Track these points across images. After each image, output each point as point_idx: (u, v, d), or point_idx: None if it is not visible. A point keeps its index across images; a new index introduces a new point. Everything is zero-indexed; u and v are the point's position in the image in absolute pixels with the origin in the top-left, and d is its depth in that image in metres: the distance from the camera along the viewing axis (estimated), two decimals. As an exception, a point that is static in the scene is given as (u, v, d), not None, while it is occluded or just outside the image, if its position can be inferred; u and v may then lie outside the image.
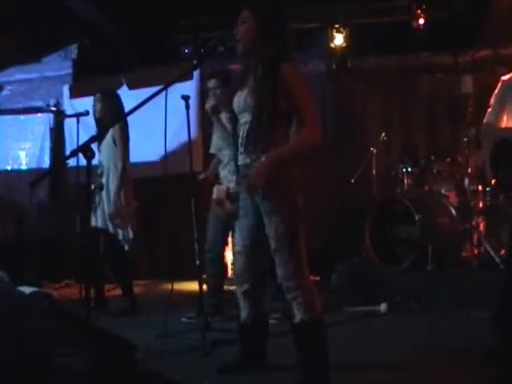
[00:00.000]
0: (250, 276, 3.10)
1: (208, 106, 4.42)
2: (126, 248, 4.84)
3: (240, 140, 3.01)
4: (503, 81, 3.69)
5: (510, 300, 3.42)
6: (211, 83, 4.46)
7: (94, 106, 5.00)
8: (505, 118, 3.60)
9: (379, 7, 6.52)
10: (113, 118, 4.81)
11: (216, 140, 4.56)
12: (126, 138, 4.87)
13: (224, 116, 4.35)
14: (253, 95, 2.92)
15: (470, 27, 6.08)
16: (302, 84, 2.89)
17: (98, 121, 4.99)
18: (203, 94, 7.30)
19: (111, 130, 4.80)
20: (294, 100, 2.86)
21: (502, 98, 3.64)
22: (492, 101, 3.71)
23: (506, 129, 3.61)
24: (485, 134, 3.78)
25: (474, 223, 5.38)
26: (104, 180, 4.84)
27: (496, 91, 3.71)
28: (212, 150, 4.65)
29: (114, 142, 4.81)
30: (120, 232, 4.82)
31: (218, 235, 4.49)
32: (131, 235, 4.85)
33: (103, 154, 4.89)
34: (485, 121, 3.72)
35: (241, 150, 3.00)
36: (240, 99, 3.01)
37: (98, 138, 4.81)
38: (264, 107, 2.87)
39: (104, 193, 4.82)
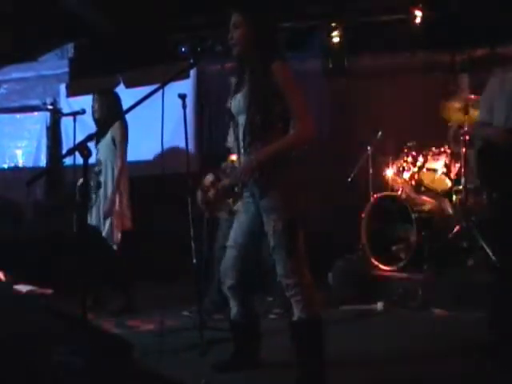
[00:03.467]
0: (237, 272, 3.12)
1: None
2: (115, 248, 4.83)
3: (239, 142, 3.03)
4: (493, 78, 3.70)
5: (504, 298, 3.44)
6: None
7: (93, 105, 4.99)
8: (496, 115, 3.60)
9: (376, 6, 6.51)
10: (111, 117, 4.81)
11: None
12: (125, 137, 4.87)
13: None
14: (246, 97, 2.96)
15: (467, 26, 6.08)
16: (292, 82, 2.92)
17: (96, 120, 4.99)
18: (200, 93, 7.33)
19: (111, 128, 4.80)
20: (286, 98, 2.88)
21: (491, 95, 3.65)
22: (482, 99, 3.72)
23: (492, 128, 3.62)
24: (476, 133, 3.78)
25: (470, 222, 5.38)
26: (102, 178, 4.83)
27: (485, 89, 3.72)
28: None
29: (114, 141, 4.81)
30: (108, 231, 4.81)
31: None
32: (119, 235, 4.84)
33: (101, 153, 4.88)
34: (476, 119, 3.73)
35: (241, 151, 3.02)
36: (235, 101, 3.05)
37: (96, 136, 4.82)
38: (257, 108, 2.91)
39: (101, 191, 4.82)
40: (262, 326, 3.34)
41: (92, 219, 4.86)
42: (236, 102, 3.04)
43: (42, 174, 7.33)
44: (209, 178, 4.33)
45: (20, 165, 8.09)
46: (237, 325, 3.21)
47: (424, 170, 5.76)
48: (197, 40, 6.97)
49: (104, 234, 4.81)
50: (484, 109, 3.68)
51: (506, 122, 3.52)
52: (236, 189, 3.14)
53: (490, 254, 5.08)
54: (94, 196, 4.87)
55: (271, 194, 2.90)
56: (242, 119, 3.01)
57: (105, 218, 4.80)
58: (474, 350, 3.40)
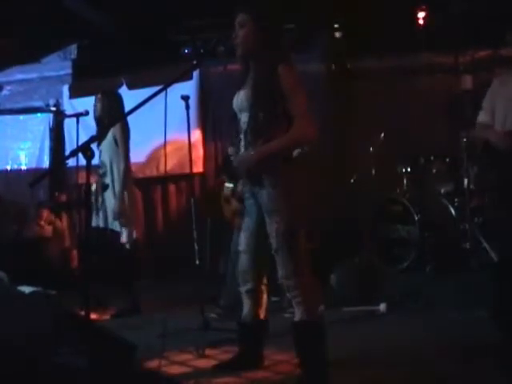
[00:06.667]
0: (254, 275, 3.13)
1: None
2: (128, 247, 4.83)
3: (241, 139, 3.03)
4: (495, 80, 3.73)
5: (505, 297, 3.44)
6: None
7: (95, 105, 4.99)
8: (496, 115, 3.63)
9: (378, 7, 6.51)
10: (114, 117, 4.80)
11: None
12: (127, 138, 4.87)
13: None
14: (250, 95, 2.96)
15: (471, 27, 6.08)
16: (297, 84, 2.92)
17: (98, 120, 4.98)
18: (203, 94, 7.33)
19: (112, 129, 4.79)
20: (288, 100, 2.88)
21: (492, 96, 3.68)
22: (484, 100, 3.74)
23: (493, 131, 3.64)
24: (477, 134, 3.82)
25: (473, 223, 5.37)
26: (107, 180, 4.82)
27: (488, 91, 3.75)
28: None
29: (116, 141, 4.81)
30: (124, 231, 4.80)
31: None
32: (134, 235, 4.83)
33: (104, 154, 4.87)
34: (477, 121, 3.76)
35: (242, 149, 3.02)
36: (239, 99, 3.06)
37: (99, 137, 4.80)
38: (261, 107, 2.91)
39: (108, 193, 4.80)
40: (276, 324, 3.36)
41: (99, 221, 4.86)
42: (239, 99, 3.05)
43: (45, 176, 7.35)
44: (227, 187, 4.30)
45: (23, 166, 8.10)
46: (246, 325, 3.21)
47: (426, 170, 5.75)
48: (200, 41, 6.98)
49: (123, 235, 4.79)
50: (485, 110, 3.72)
51: (504, 123, 3.55)
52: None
53: (492, 254, 5.08)
54: (100, 198, 4.86)
55: (273, 195, 2.90)
56: (244, 117, 3.01)
57: (115, 219, 4.77)
58: (476, 350, 3.40)
